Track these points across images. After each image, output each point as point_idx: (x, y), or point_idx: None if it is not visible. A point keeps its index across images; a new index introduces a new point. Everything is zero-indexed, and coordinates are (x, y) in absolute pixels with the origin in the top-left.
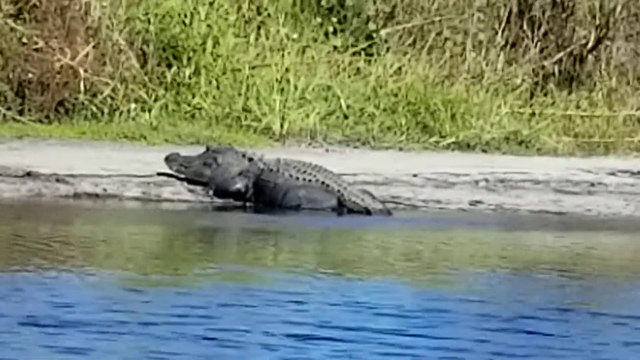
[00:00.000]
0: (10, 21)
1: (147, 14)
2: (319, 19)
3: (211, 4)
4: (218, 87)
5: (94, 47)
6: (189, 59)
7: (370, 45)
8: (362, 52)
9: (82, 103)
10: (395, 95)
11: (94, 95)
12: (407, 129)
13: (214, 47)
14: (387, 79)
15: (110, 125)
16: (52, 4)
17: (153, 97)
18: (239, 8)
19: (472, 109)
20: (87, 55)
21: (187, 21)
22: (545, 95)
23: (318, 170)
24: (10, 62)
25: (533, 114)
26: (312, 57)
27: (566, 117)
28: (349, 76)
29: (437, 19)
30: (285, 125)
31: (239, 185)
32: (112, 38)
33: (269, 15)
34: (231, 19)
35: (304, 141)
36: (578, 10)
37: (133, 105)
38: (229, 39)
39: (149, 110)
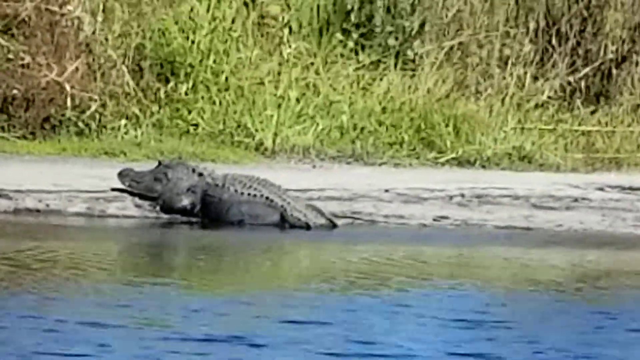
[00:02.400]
0: None
1: (142, 28)
2: (339, 35)
3: (215, 19)
4: (218, 103)
5: (85, 63)
6: (186, 74)
7: (404, 62)
8: (394, 68)
9: (69, 119)
10: (400, 110)
11: (82, 112)
12: (410, 145)
13: (215, 62)
14: (395, 95)
15: (95, 141)
16: (42, 19)
17: (148, 114)
18: (257, 24)
19: (480, 125)
20: (76, 70)
21: (190, 36)
22: (570, 111)
23: (264, 185)
24: None
25: (546, 129)
26: (337, 72)
27: (585, 133)
28: (365, 93)
29: (472, 37)
30: (277, 141)
31: (185, 202)
32: (105, 54)
33: (287, 25)
34: (234, 34)
35: (295, 158)
36: (606, 24)
37: (123, 122)
38: (232, 54)
39: (141, 127)
